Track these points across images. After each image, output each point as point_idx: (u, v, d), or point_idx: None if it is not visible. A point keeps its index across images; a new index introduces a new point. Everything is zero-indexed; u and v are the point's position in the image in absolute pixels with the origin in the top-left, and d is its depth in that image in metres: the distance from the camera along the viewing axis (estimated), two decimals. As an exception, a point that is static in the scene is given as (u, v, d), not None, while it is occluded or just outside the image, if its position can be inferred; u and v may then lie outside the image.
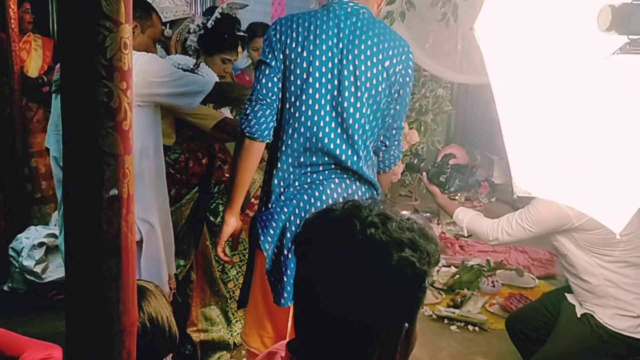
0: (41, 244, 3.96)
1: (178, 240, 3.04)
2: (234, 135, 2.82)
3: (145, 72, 2.38)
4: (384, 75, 2.10)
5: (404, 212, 5.80)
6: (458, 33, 4.21)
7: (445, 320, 3.85)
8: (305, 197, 2.13)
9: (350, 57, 2.07)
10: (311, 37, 2.06)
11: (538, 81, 1.27)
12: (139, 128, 2.39)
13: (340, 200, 2.12)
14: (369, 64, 2.08)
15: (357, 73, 2.07)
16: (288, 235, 2.12)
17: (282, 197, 2.16)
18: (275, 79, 2.10)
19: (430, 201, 5.95)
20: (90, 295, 0.81)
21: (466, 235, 2.99)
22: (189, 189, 3.06)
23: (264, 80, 2.10)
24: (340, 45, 2.07)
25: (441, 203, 2.91)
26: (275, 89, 2.11)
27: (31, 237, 4.03)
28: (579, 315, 2.63)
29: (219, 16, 3.06)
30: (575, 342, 2.62)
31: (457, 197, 5.91)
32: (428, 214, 5.72)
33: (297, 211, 2.13)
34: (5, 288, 4.08)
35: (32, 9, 4.81)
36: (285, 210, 2.14)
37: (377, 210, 1.02)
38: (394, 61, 2.12)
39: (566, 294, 2.74)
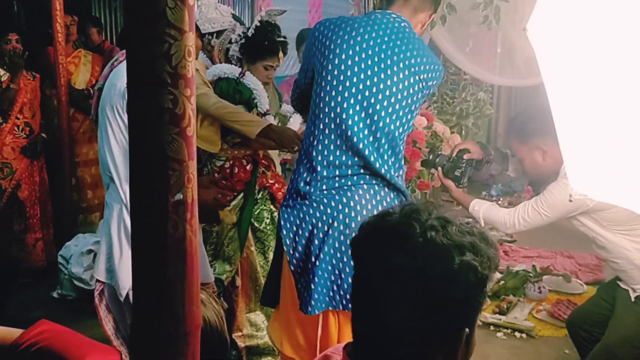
0: (89, 251, 4.05)
1: (224, 246, 3.07)
2: (279, 141, 2.86)
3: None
4: (420, 85, 2.14)
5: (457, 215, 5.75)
6: (498, 36, 4.17)
7: (492, 327, 3.79)
8: (333, 202, 2.14)
9: (389, 62, 2.09)
10: (346, 37, 2.10)
11: (595, 81, 1.24)
12: None
13: (369, 206, 2.13)
14: (406, 72, 2.11)
15: (395, 79, 2.10)
16: (315, 241, 2.12)
17: (309, 198, 2.17)
18: (307, 80, 2.26)
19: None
20: (157, 296, 0.82)
21: (482, 225, 2.97)
22: (235, 195, 3.09)
23: (304, 74, 2.27)
24: (378, 50, 2.10)
25: (457, 197, 2.93)
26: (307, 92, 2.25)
27: (79, 244, 4.13)
28: (633, 299, 2.60)
29: (259, 24, 3.12)
30: (634, 325, 2.58)
31: (500, 202, 5.83)
32: (471, 220, 5.64)
33: (324, 217, 2.13)
34: (55, 295, 4.18)
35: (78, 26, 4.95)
36: (311, 212, 2.14)
37: (436, 213, 1.01)
38: (430, 75, 2.16)
39: (618, 282, 2.70)
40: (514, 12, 3.57)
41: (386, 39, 2.10)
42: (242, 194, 3.09)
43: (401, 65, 2.09)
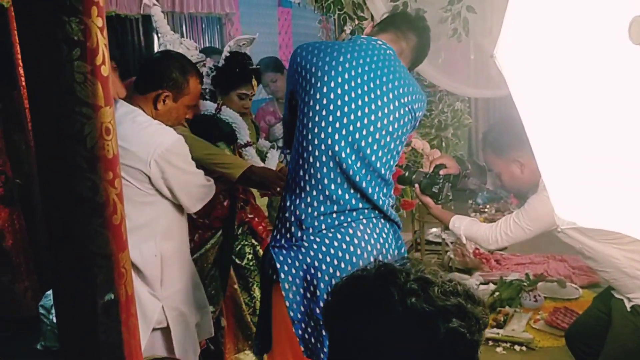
0: (69, 301, 3.91)
1: (205, 286, 2.96)
2: (261, 183, 2.82)
3: (173, 164, 2.25)
4: (410, 116, 2.07)
5: (434, 229, 5.64)
6: (470, 46, 4.11)
7: (490, 342, 3.69)
8: (336, 242, 2.03)
9: (378, 92, 2.01)
10: (333, 64, 2.00)
11: (570, 106, 1.16)
12: (163, 208, 2.30)
13: (372, 241, 2.03)
14: (396, 104, 2.03)
15: (386, 110, 2.02)
16: (322, 285, 2.00)
17: (307, 238, 2.04)
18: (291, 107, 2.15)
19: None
20: (93, 415, 0.71)
21: (464, 242, 2.90)
22: (213, 233, 2.99)
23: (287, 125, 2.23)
24: (365, 78, 2.01)
25: (436, 214, 2.83)
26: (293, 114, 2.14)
27: (59, 294, 3.99)
28: (629, 309, 2.52)
29: (228, 54, 3.05)
30: (632, 335, 2.50)
31: (486, 210, 5.76)
32: (453, 277, 5.57)
33: (328, 258, 2.01)
34: (38, 347, 4.03)
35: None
36: (311, 253, 2.02)
37: (414, 273, 0.91)
38: (417, 106, 2.10)
39: (612, 291, 2.63)
40: (482, 21, 3.52)
41: (373, 66, 2.03)
42: (220, 231, 2.98)
43: (390, 95, 2.02)
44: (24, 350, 4.06)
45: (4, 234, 4.29)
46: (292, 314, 2.02)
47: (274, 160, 3.20)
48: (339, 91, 1.98)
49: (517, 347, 3.64)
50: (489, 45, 3.53)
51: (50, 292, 4.07)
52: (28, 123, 4.33)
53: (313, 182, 2.03)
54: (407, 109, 2.04)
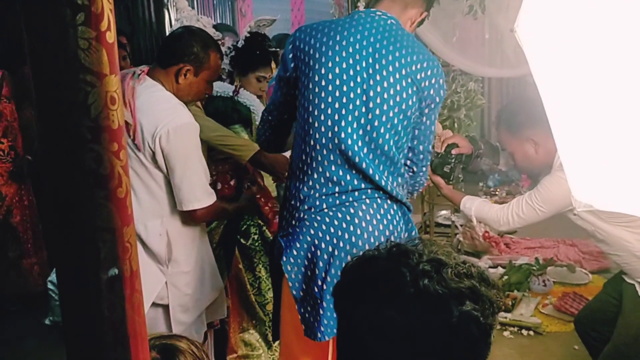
0: (78, 276, 3.92)
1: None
2: (271, 167, 2.81)
3: (178, 144, 2.21)
4: (414, 88, 1.96)
5: (444, 212, 5.60)
6: (485, 25, 4.03)
7: (498, 326, 3.67)
8: (336, 221, 1.99)
9: (377, 67, 1.93)
10: (330, 43, 1.94)
11: (592, 83, 1.12)
12: (169, 187, 2.27)
13: (374, 221, 2.00)
14: (397, 76, 1.94)
15: (385, 84, 1.93)
16: (320, 263, 1.98)
17: (308, 217, 2.02)
18: (284, 99, 2.08)
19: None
20: (96, 392, 0.69)
21: (475, 222, 2.86)
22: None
23: (276, 102, 2.10)
24: (364, 53, 1.93)
25: (447, 194, 2.81)
26: (284, 109, 2.09)
27: (68, 269, 4.01)
28: None
29: (248, 34, 3.03)
30: None
31: (497, 192, 5.72)
32: (466, 258, 5.53)
33: (327, 237, 1.99)
34: (47, 322, 4.06)
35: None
36: (312, 232, 1.99)
37: (427, 254, 0.87)
38: (424, 75, 1.98)
39: (623, 276, 2.59)
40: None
41: (372, 39, 1.94)
42: None
43: (390, 68, 1.93)
44: (32, 325, 4.10)
45: (12, 209, 4.31)
46: (294, 292, 2.01)
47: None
48: (337, 70, 1.93)
49: (524, 332, 3.62)
50: (504, 23, 3.46)
51: (58, 267, 4.09)
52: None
53: (314, 164, 2.00)
54: (409, 80, 1.94)
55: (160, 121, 2.17)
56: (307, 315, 2.01)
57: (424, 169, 2.16)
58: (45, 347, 3.81)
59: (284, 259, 2.01)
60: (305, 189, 2.02)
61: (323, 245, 1.98)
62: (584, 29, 1.07)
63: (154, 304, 2.32)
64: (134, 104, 2.15)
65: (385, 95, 1.93)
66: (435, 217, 5.13)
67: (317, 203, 2.01)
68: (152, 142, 2.17)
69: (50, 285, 4.04)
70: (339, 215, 2.00)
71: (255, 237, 3.02)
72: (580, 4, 1.12)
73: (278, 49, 3.21)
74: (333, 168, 1.98)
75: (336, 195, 2.00)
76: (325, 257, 1.98)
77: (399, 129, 1.98)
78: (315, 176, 2.00)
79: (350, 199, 2.00)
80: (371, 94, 1.93)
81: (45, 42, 0.63)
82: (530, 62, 1.17)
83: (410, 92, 1.96)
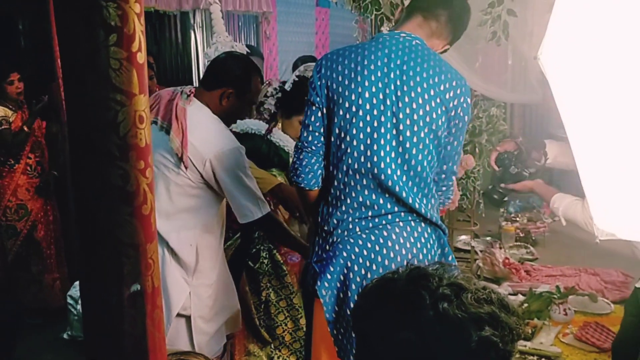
0: (97, 291, 3.95)
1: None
2: (285, 203, 2.85)
3: (227, 167, 2.33)
4: (443, 108, 1.97)
5: (463, 237, 5.55)
6: (509, 50, 4.03)
7: (517, 355, 3.61)
8: (369, 244, 1.99)
9: (405, 89, 1.94)
10: (358, 68, 1.95)
11: (615, 112, 1.12)
12: (208, 202, 2.41)
13: (407, 244, 1.99)
14: (426, 97, 1.94)
15: (415, 106, 1.94)
16: (353, 286, 1.97)
17: (341, 241, 2.02)
18: (318, 124, 2.03)
19: (490, 224, 5.75)
20: (115, 407, 0.70)
21: (563, 223, 2.70)
22: (231, 236, 2.99)
23: (309, 127, 2.04)
24: (392, 76, 1.94)
25: (539, 191, 2.65)
26: (319, 133, 2.04)
27: (88, 284, 4.03)
28: None
29: (297, 79, 3.07)
30: None
31: (518, 218, 5.66)
32: (489, 238, 5.48)
33: (360, 259, 1.99)
34: (65, 336, 4.09)
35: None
36: (345, 254, 2.00)
37: (447, 279, 0.87)
38: (452, 94, 1.98)
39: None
40: (523, 25, 3.44)
41: (398, 62, 1.95)
42: (238, 234, 2.97)
43: (419, 89, 1.93)
44: (50, 339, 4.12)
45: (37, 224, 4.37)
46: (327, 315, 2.01)
47: None
48: (367, 94, 1.94)
49: (544, 361, 3.56)
50: (528, 49, 3.46)
51: (77, 282, 4.13)
52: (64, 115, 4.39)
53: (347, 189, 2.01)
54: (438, 100, 1.94)
55: (211, 144, 2.31)
56: (339, 337, 2.01)
57: (444, 188, 2.15)
58: (62, 362, 3.83)
59: (319, 283, 2.01)
60: (338, 213, 2.03)
61: (356, 268, 1.98)
62: (607, 58, 1.07)
63: (178, 315, 2.39)
64: (186, 124, 2.28)
65: (416, 117, 1.94)
66: (454, 242, 5.09)
67: (351, 227, 2.01)
68: (202, 164, 2.29)
69: (69, 300, 4.08)
70: (372, 237, 2.00)
71: (266, 261, 3.02)
72: (604, 33, 1.12)
73: None
74: (366, 192, 1.99)
75: (369, 218, 2.00)
76: (358, 279, 1.97)
77: (431, 148, 1.99)
78: (349, 201, 2.01)
79: (384, 222, 2.00)
80: (401, 115, 1.94)
81: (77, 60, 0.65)
82: (554, 89, 1.17)
83: (439, 112, 1.96)
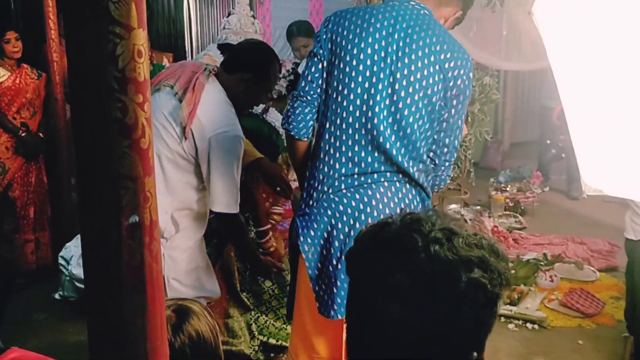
0: (89, 252, 3.96)
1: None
2: (265, 176, 2.88)
3: (223, 150, 2.35)
4: (441, 76, 1.98)
5: (453, 206, 5.60)
6: (503, 18, 4.02)
7: (502, 319, 3.69)
8: (353, 202, 2.02)
9: (407, 50, 1.97)
10: (365, 26, 2.00)
11: (607, 70, 1.13)
12: (187, 179, 2.41)
13: (391, 204, 2.02)
14: (425, 61, 1.97)
15: (413, 68, 1.97)
16: (336, 243, 2.01)
17: (326, 198, 2.06)
18: (317, 75, 2.07)
19: (480, 193, 5.80)
20: (113, 334, 0.72)
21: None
22: None
23: (308, 77, 2.08)
24: (396, 37, 1.98)
25: None
26: (317, 85, 2.07)
27: (80, 245, 4.03)
28: None
29: None
30: None
31: (508, 188, 5.71)
32: (478, 207, 5.54)
33: (344, 217, 2.02)
34: (56, 296, 4.10)
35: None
36: (329, 212, 2.03)
37: (440, 223, 0.89)
38: (452, 64, 1.99)
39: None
40: (518, -8, 3.43)
41: (404, 25, 1.98)
42: None
43: (420, 53, 1.96)
44: (42, 299, 4.14)
45: (12, 183, 4.27)
46: (310, 271, 2.05)
47: None
48: (369, 51, 1.97)
49: (529, 325, 3.64)
50: (522, 18, 3.46)
51: (69, 243, 4.13)
52: (56, 76, 4.34)
53: (337, 143, 2.03)
54: (436, 67, 1.97)
55: (217, 124, 2.33)
56: (321, 293, 2.05)
57: (446, 163, 2.15)
58: (56, 321, 3.87)
59: (301, 239, 2.05)
60: (325, 168, 2.06)
61: (340, 226, 2.01)
62: (601, 13, 1.08)
63: None
64: (200, 98, 2.30)
65: (412, 79, 1.96)
66: (444, 210, 5.14)
67: (336, 184, 2.04)
68: (201, 139, 2.31)
69: (61, 260, 4.08)
70: (357, 196, 2.02)
71: (253, 230, 3.05)
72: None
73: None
74: (356, 148, 2.01)
75: (355, 176, 2.03)
76: (342, 237, 2.01)
77: (423, 113, 2.00)
78: (337, 155, 2.04)
79: (369, 180, 2.03)
80: (398, 75, 1.96)
81: (77, -6, 0.66)
82: (547, 45, 1.18)
83: (437, 78, 1.98)
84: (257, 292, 3.16)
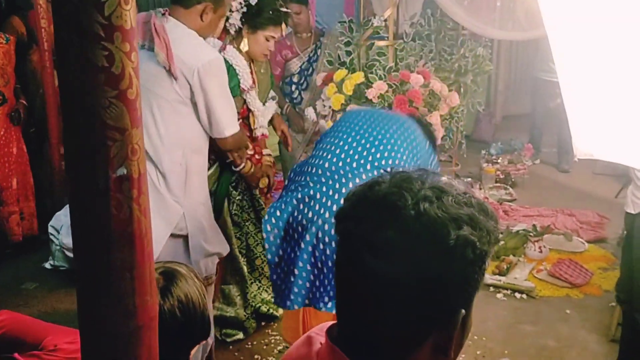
0: (79, 221, 3.94)
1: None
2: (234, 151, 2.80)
3: (214, 76, 2.40)
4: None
5: (444, 177, 5.66)
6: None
7: (491, 288, 3.72)
8: (324, 188, 2.03)
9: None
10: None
11: (602, 39, 1.12)
12: (192, 122, 2.45)
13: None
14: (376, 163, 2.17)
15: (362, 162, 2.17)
16: (299, 229, 2.00)
17: (295, 186, 2.09)
18: None
19: (471, 165, 5.81)
20: (102, 288, 0.71)
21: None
22: (210, 165, 2.96)
23: None
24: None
25: None
26: None
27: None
28: None
29: None
30: None
31: (499, 161, 5.72)
32: (469, 179, 5.55)
33: (312, 202, 2.02)
34: (47, 265, 4.11)
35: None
36: (299, 196, 2.04)
37: (430, 182, 0.89)
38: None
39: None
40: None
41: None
42: (217, 163, 2.92)
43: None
44: (32, 269, 4.14)
45: (-10, 152, 4.16)
46: (269, 256, 2.04)
47: (270, 111, 3.17)
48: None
49: (518, 295, 3.67)
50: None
51: (60, 212, 4.10)
52: (44, 44, 4.27)
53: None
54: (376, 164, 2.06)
55: (196, 55, 2.37)
56: (278, 282, 2.03)
57: None
58: (47, 290, 3.87)
59: (266, 218, 2.04)
60: (301, 166, 2.15)
61: (306, 211, 2.00)
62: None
63: (173, 235, 2.46)
64: (168, 38, 2.30)
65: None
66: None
67: (314, 170, 2.06)
68: (191, 74, 2.34)
69: (51, 230, 4.07)
70: (328, 185, 2.03)
71: (246, 192, 3.04)
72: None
73: (289, 10, 3.16)
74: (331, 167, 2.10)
75: (328, 173, 2.05)
76: (305, 222, 1.99)
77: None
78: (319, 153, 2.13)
79: (345, 176, 2.03)
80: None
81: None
82: (544, 11, 1.17)
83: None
84: (249, 258, 3.16)
